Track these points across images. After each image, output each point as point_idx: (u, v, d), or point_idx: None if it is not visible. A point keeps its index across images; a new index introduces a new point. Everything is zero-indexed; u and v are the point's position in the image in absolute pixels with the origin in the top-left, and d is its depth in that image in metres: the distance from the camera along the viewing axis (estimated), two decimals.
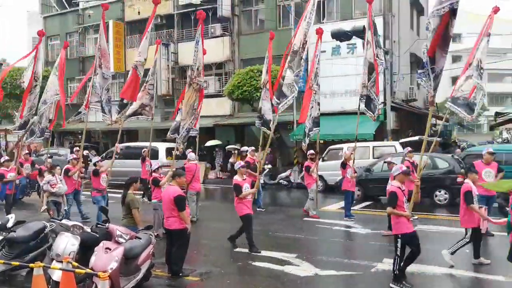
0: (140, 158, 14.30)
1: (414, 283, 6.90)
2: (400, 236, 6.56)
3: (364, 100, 11.13)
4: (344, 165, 11.62)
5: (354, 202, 12.71)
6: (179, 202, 6.91)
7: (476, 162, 9.55)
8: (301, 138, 19.85)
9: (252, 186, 8.92)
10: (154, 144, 20.80)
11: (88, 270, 5.26)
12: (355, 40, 19.21)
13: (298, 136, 20.15)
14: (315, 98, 11.96)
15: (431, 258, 8.12)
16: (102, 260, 5.58)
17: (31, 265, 5.43)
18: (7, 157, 12.68)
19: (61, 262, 5.56)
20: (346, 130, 19.08)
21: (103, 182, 10.58)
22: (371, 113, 11.17)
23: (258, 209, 12.64)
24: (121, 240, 5.94)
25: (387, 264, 7.59)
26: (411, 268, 7.37)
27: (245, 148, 14.93)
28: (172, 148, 18.16)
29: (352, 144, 14.91)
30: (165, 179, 9.43)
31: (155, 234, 8.72)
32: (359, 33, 17.07)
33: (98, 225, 6.43)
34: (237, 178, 8.68)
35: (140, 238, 6.41)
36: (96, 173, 10.58)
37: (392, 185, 6.77)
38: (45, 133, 12.79)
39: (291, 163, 20.77)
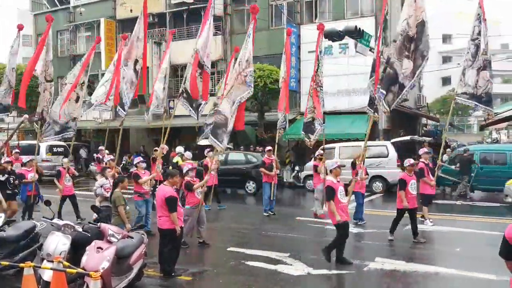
0: (151, 159, 13.59)
1: (406, 281, 6.93)
2: None
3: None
4: (354, 166, 10.98)
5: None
6: (170, 203, 6.87)
7: None
8: (294, 138, 19.99)
9: (346, 189, 8.02)
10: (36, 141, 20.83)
11: (80, 270, 5.20)
12: (347, 40, 19.27)
13: (291, 135, 20.20)
14: (321, 95, 11.63)
15: (423, 256, 8.17)
16: (94, 259, 5.52)
17: (21, 265, 5.36)
18: (32, 157, 11.64)
19: (52, 261, 5.48)
20: (338, 129, 19.14)
21: (146, 186, 9.81)
22: (371, 111, 10.86)
23: (267, 212, 12.35)
24: (113, 239, 5.89)
25: (379, 263, 7.63)
26: (404, 267, 7.42)
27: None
28: (54, 146, 18.09)
29: (343, 144, 14.86)
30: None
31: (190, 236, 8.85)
32: (351, 33, 17.14)
33: (90, 224, 6.37)
34: (331, 180, 7.68)
35: (132, 238, 6.36)
36: (137, 177, 9.81)
37: None
38: (67, 132, 11.13)
39: (283, 163, 20.78)
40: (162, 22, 26.88)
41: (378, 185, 16.23)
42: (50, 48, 10.98)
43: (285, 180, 18.70)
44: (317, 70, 11.44)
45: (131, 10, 27.41)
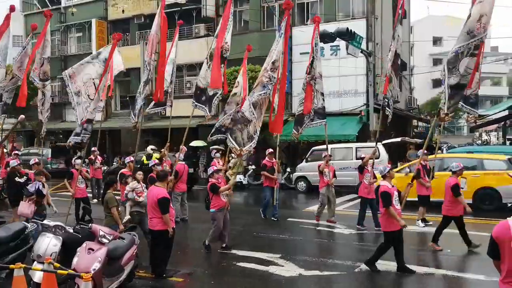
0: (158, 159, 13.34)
1: (396, 282, 6.98)
2: None
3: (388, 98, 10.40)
4: (361, 169, 10.69)
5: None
6: (163, 204, 6.85)
7: None
8: (285, 139, 20.02)
9: (399, 194, 7.59)
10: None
11: (71, 271, 5.17)
12: (339, 42, 19.40)
13: (282, 137, 20.23)
14: (317, 88, 11.00)
15: (413, 258, 8.22)
16: (85, 260, 5.50)
17: (11, 266, 5.30)
18: (37, 160, 11.11)
19: (43, 263, 5.45)
20: (329, 131, 19.12)
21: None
22: (388, 109, 10.63)
23: (272, 218, 11.74)
24: (104, 240, 5.86)
25: None
26: (395, 268, 7.44)
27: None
28: None
29: (335, 145, 14.78)
30: None
31: (207, 244, 8.48)
32: (343, 34, 17.25)
33: (81, 225, 6.34)
34: (386, 184, 7.20)
35: (123, 239, 6.34)
36: (153, 180, 9.57)
37: None
38: (84, 135, 10.57)
39: None
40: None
41: None
42: (48, 45, 10.69)
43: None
44: (312, 62, 10.90)
45: (123, 11, 27.34)
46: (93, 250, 5.66)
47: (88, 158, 15.19)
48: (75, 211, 10.92)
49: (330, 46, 20.76)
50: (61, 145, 24.48)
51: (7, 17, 10.59)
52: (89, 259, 5.52)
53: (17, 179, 9.83)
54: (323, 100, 11.33)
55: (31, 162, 10.99)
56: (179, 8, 25.36)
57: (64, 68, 29.28)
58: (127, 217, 8.11)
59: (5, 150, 15.11)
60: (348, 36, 17.49)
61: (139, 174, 8.77)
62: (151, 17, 26.44)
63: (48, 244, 5.83)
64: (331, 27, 18.17)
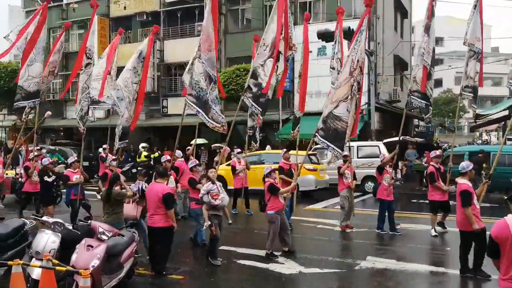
0: (183, 158, 12.56)
1: (397, 280, 6.96)
2: None
3: (419, 96, 9.86)
4: (381, 170, 9.97)
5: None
6: (168, 200, 6.82)
7: None
8: (287, 137, 19.98)
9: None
10: None
11: (69, 268, 5.14)
12: None
13: (284, 135, 20.21)
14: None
15: (413, 255, 8.20)
16: (84, 257, 5.46)
17: (9, 262, 5.28)
18: (75, 157, 10.59)
19: (41, 260, 5.42)
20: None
21: None
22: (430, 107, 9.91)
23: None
24: (103, 237, 5.83)
25: (370, 262, 7.65)
26: (394, 265, 7.45)
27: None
28: None
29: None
30: None
31: (269, 251, 8.01)
32: (344, 33, 17.15)
33: (80, 222, 6.31)
34: (466, 182, 6.92)
35: (123, 236, 6.31)
36: (194, 182, 8.82)
37: None
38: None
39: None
40: (156, 21, 26.75)
41: (370, 185, 16.30)
42: (94, 33, 10.69)
43: None
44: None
45: (124, 8, 27.29)
46: (92, 246, 5.62)
47: (100, 155, 15.24)
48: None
49: (332, 45, 20.67)
50: (62, 142, 24.48)
51: (44, 8, 10.39)
52: (88, 256, 5.49)
53: (45, 178, 9.70)
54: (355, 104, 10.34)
55: (69, 160, 10.55)
56: (180, 6, 25.37)
57: (66, 65, 29.27)
58: (207, 222, 7.42)
59: (37, 147, 14.67)
60: (350, 35, 17.39)
61: (211, 173, 7.80)
62: (153, 14, 26.62)
63: (47, 240, 5.80)
64: (332, 26, 18.10)
